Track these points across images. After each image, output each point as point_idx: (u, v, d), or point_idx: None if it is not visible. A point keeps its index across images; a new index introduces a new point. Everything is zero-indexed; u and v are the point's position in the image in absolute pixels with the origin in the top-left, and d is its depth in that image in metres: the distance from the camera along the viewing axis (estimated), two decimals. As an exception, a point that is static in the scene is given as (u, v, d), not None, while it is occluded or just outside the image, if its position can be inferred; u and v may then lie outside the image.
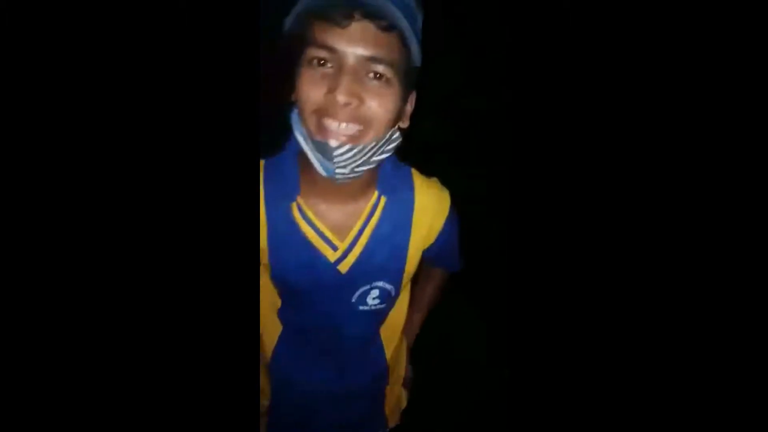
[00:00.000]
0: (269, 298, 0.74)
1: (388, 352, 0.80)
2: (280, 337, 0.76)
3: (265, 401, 0.82)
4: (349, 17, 0.48)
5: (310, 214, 0.63)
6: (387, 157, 0.61)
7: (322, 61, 0.50)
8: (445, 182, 0.73)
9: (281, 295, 0.71)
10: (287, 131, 0.61)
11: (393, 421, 0.91)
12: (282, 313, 0.73)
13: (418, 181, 0.70)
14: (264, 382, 0.80)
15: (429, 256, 0.74)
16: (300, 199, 0.63)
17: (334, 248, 0.64)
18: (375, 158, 0.57)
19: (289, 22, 0.54)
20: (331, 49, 0.49)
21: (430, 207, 0.69)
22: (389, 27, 0.49)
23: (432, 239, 0.72)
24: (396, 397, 0.90)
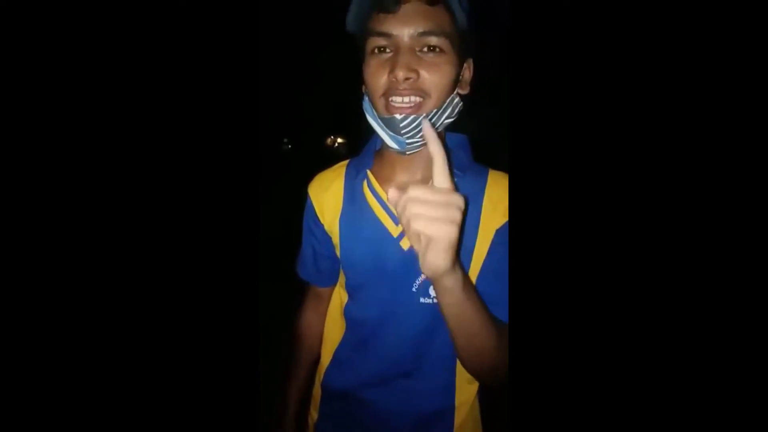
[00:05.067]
0: (339, 297, 0.75)
1: (459, 396, 0.70)
2: (342, 342, 0.74)
3: (314, 413, 0.79)
4: (398, 1, 0.54)
5: (377, 188, 0.67)
6: (465, 149, 0.69)
7: (381, 48, 0.57)
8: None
9: (348, 286, 0.72)
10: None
11: None
12: (347, 310, 0.73)
13: (495, 173, 0.68)
14: (316, 392, 0.78)
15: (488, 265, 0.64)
16: (370, 174, 0.69)
17: (396, 221, 0.65)
18: (439, 123, 0.60)
19: (348, 24, 0.61)
20: (387, 35, 0.55)
21: (503, 196, 0.65)
22: (435, 0, 0.55)
23: (499, 225, 0.64)
24: None
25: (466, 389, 0.71)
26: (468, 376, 0.67)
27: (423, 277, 0.65)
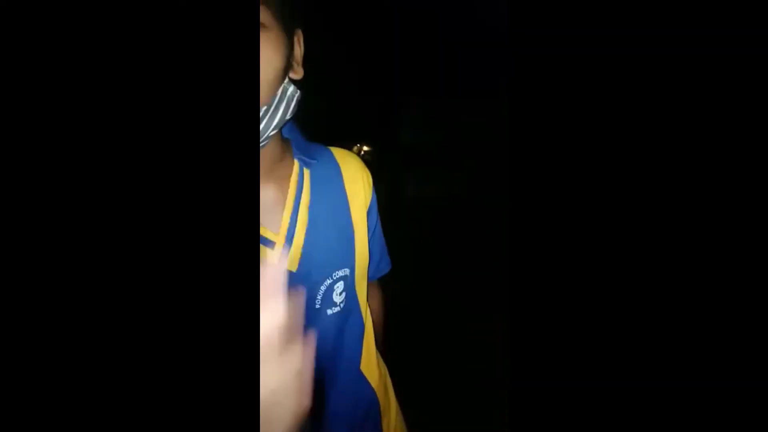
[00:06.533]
0: None
1: (373, 382, 0.67)
2: None
3: None
4: None
5: None
6: (295, 131, 0.56)
7: None
8: (441, 184, 0.69)
9: None
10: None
11: None
12: None
13: (337, 150, 0.61)
14: None
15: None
16: None
17: (271, 244, 0.51)
18: (273, 126, 0.46)
19: None
20: None
21: (358, 174, 0.60)
22: None
23: (368, 203, 0.61)
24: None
25: (379, 391, 0.67)
26: (373, 374, 0.65)
27: (324, 286, 0.54)
